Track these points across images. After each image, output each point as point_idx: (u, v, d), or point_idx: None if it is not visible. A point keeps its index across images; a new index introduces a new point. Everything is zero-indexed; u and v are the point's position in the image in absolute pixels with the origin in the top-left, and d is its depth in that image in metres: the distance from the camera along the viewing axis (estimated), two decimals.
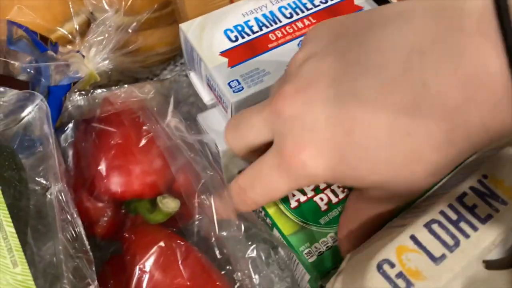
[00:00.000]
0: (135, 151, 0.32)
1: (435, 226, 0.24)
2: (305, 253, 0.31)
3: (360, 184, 0.26)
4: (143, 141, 0.32)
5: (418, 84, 0.21)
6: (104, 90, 0.38)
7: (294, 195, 0.33)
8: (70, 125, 0.33)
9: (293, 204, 0.32)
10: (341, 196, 0.33)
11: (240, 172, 0.38)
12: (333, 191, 0.33)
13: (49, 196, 0.27)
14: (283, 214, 0.32)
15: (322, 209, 0.32)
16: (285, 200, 0.32)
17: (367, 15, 0.25)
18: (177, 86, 0.41)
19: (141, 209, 0.33)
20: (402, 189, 0.25)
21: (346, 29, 0.25)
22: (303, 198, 0.33)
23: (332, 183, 0.26)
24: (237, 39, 0.34)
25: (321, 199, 0.32)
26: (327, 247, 0.31)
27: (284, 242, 0.32)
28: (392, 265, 0.23)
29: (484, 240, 0.23)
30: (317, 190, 0.33)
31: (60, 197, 0.27)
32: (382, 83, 0.22)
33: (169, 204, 0.31)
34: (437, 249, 0.23)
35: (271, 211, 0.32)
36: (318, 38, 0.26)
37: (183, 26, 0.35)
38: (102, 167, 0.31)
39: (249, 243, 0.28)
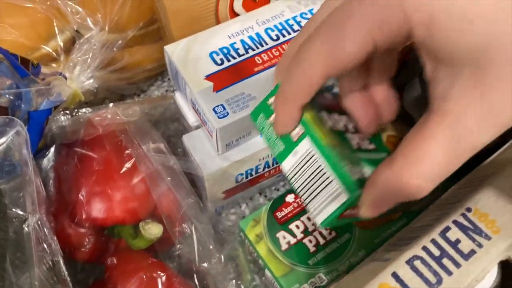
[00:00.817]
0: (116, 177, 0.31)
1: (417, 263, 0.23)
2: None
3: None
4: (125, 167, 0.31)
5: None
6: (89, 109, 0.37)
7: (284, 237, 0.33)
8: (52, 149, 0.33)
9: (284, 246, 0.32)
10: (328, 238, 0.33)
11: (224, 192, 0.37)
12: (321, 233, 0.33)
13: (26, 228, 0.26)
14: (274, 256, 0.32)
15: (311, 250, 0.32)
16: (276, 242, 0.33)
17: None
18: (164, 103, 0.41)
19: (124, 234, 0.32)
20: None
21: None
22: (293, 240, 0.33)
23: None
24: (222, 62, 0.34)
25: (310, 241, 0.32)
26: (315, 287, 0.31)
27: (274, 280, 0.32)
28: None
29: (467, 277, 0.23)
30: (306, 232, 0.33)
31: (38, 228, 0.26)
32: None
33: (152, 230, 0.31)
34: (419, 287, 0.23)
35: (263, 253, 0.32)
36: None
37: (167, 48, 0.35)
38: (83, 193, 0.31)
39: (230, 276, 0.28)
